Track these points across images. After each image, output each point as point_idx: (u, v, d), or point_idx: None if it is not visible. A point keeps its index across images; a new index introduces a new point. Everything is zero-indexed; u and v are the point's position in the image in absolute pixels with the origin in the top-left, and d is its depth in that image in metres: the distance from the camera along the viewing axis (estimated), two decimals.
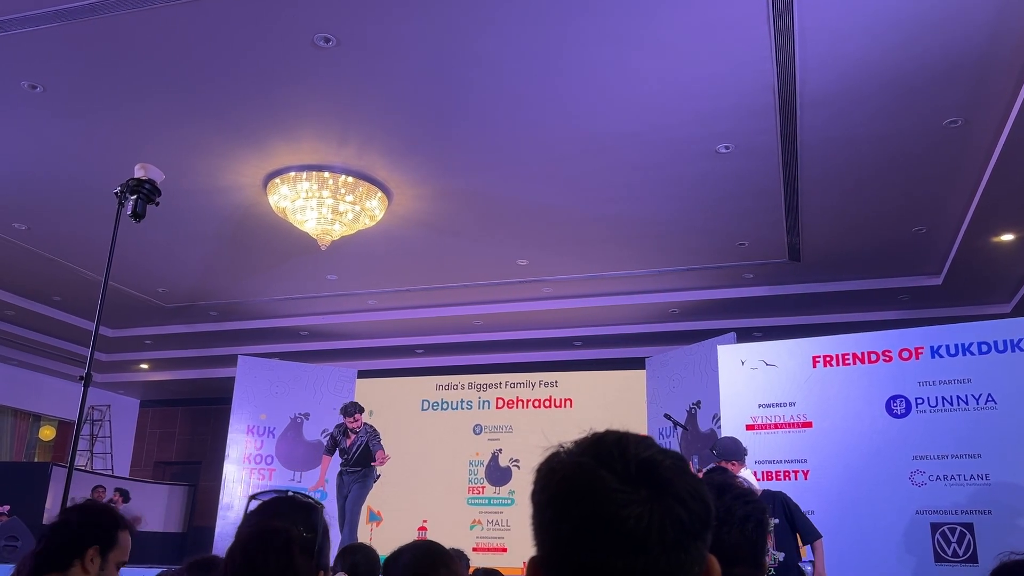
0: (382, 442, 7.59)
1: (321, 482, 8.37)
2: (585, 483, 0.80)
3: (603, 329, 9.33)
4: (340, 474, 7.64)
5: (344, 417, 7.63)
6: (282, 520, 1.57)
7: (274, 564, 1.52)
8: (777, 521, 4.65)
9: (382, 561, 3.33)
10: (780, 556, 4.47)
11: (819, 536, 4.92)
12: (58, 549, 2.12)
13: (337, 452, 7.71)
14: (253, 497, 1.66)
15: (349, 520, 7.46)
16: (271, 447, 9.52)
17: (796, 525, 4.82)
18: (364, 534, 9.43)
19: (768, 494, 4.92)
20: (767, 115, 5.10)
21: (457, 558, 3.09)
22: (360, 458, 7.55)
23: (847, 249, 7.14)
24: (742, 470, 5.19)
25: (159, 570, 3.38)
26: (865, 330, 7.02)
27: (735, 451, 5.15)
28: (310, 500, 1.65)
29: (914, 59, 4.49)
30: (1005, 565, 1.98)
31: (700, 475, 4.74)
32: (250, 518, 1.61)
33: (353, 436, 7.61)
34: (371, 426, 7.69)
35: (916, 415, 6.32)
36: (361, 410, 7.76)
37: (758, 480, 5.95)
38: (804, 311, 8.49)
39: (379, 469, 7.60)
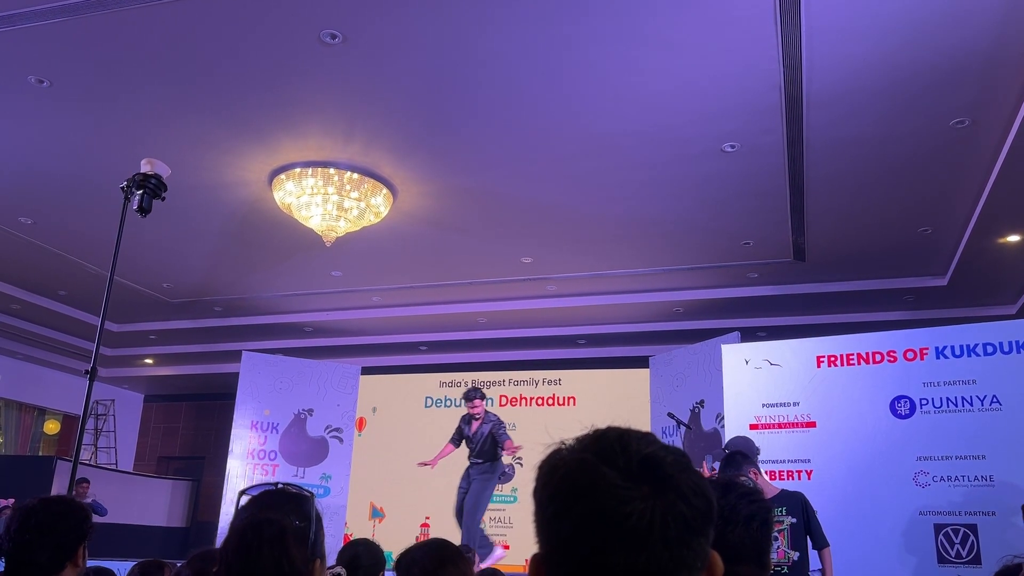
0: (508, 431, 7.01)
1: (431, 463, 7.91)
2: (587, 480, 0.80)
3: (607, 327, 9.32)
4: (467, 468, 7.18)
5: (465, 403, 7.17)
6: (275, 512, 1.58)
7: (268, 555, 1.53)
8: (795, 520, 4.63)
9: (388, 557, 3.34)
10: (795, 556, 4.46)
11: (828, 544, 4.88)
12: (53, 552, 2.08)
13: (464, 443, 7.24)
14: (243, 492, 1.66)
15: (465, 520, 6.89)
16: (275, 443, 9.54)
17: (811, 528, 4.78)
18: (367, 531, 9.45)
19: (787, 494, 4.89)
20: (773, 114, 5.09)
21: (465, 553, 3.10)
22: (485, 449, 7.03)
23: (852, 249, 7.12)
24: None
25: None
26: (870, 330, 7.00)
27: (748, 450, 5.13)
28: (301, 491, 1.66)
29: (921, 59, 4.48)
30: (1008, 568, 1.98)
31: (715, 475, 4.70)
32: (242, 512, 1.61)
33: (476, 424, 7.12)
34: (495, 415, 7.23)
35: (920, 416, 6.30)
36: (482, 396, 7.21)
37: (773, 480, 5.93)
38: (809, 311, 8.47)
39: (509, 460, 7.03)
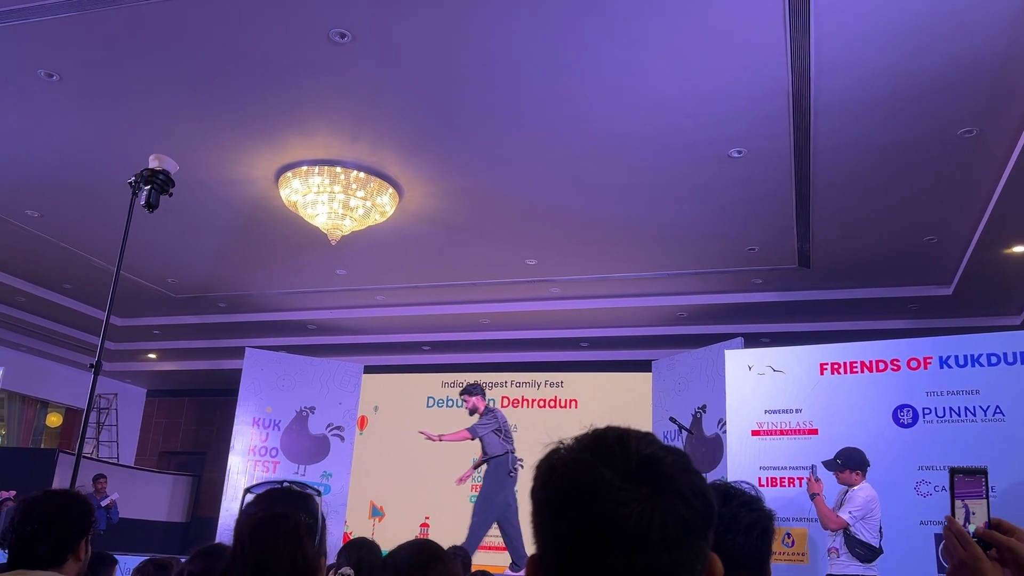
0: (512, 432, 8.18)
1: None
2: (585, 480, 0.79)
3: (610, 331, 9.31)
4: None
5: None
6: (284, 508, 1.61)
7: (284, 548, 1.56)
8: None
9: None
10: None
11: None
12: (55, 544, 2.09)
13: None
14: (248, 490, 1.70)
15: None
16: (276, 440, 9.55)
17: None
18: (366, 529, 9.46)
19: None
20: (781, 121, 5.09)
21: (454, 556, 3.10)
22: None
23: (857, 257, 7.11)
24: (863, 482, 5.34)
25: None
26: (874, 338, 6.99)
27: (860, 461, 5.20)
28: (306, 489, 1.70)
29: (930, 68, 4.47)
30: None
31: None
32: (250, 508, 1.64)
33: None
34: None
35: (923, 425, 6.28)
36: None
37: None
38: (813, 318, 8.46)
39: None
